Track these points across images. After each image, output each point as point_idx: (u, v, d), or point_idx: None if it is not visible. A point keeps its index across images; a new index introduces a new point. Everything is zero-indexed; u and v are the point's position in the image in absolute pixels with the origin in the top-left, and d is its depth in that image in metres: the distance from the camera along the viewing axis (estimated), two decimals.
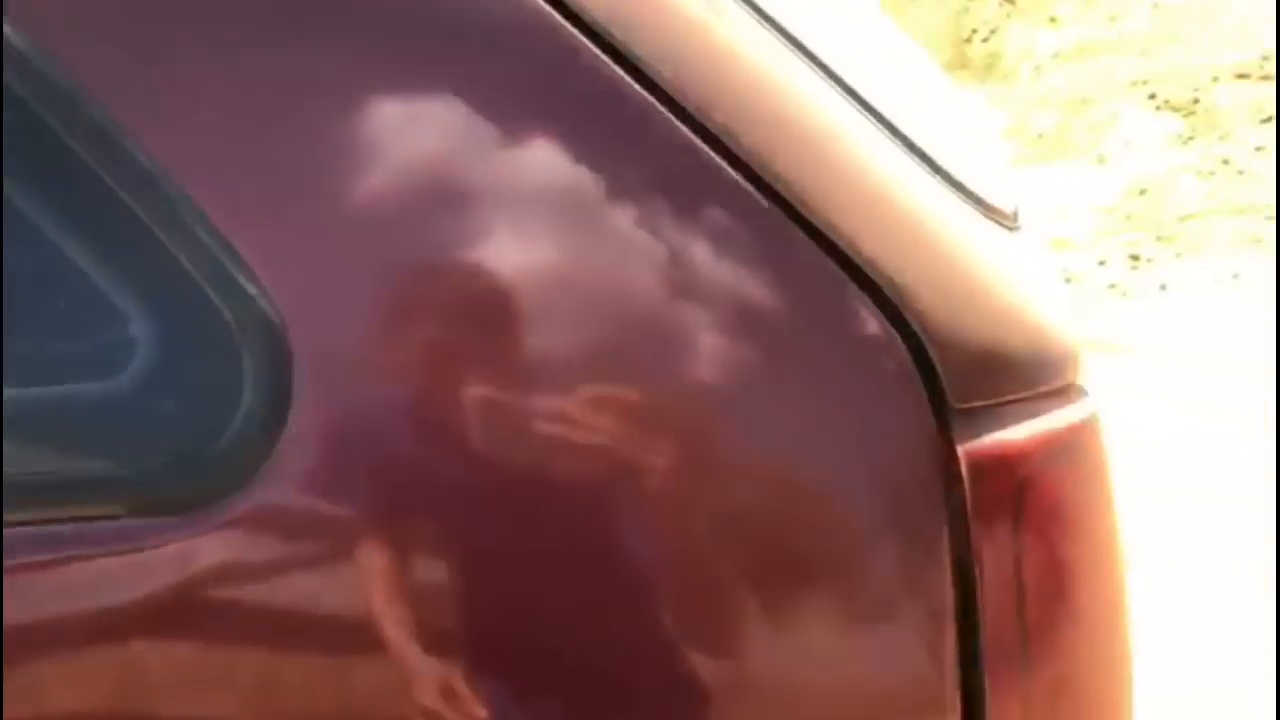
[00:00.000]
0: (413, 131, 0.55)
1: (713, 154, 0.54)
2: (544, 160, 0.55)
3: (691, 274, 0.55)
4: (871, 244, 0.56)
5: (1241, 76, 6.42)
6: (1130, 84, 6.85)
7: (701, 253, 0.56)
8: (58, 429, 0.53)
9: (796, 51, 0.59)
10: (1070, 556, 0.60)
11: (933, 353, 0.56)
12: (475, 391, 0.54)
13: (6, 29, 0.49)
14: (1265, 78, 6.23)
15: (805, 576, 0.59)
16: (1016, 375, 0.59)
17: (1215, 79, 6.47)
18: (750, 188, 0.55)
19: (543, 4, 0.54)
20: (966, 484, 0.56)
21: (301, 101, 0.54)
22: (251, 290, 0.52)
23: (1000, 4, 8.79)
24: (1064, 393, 0.61)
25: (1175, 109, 6.25)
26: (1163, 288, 3.86)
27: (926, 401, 0.57)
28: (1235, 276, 3.90)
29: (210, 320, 0.52)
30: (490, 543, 0.55)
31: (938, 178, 0.60)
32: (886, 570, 0.59)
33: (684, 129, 0.55)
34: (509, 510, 0.55)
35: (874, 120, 0.60)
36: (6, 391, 0.50)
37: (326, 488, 0.55)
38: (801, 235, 0.55)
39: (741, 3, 0.59)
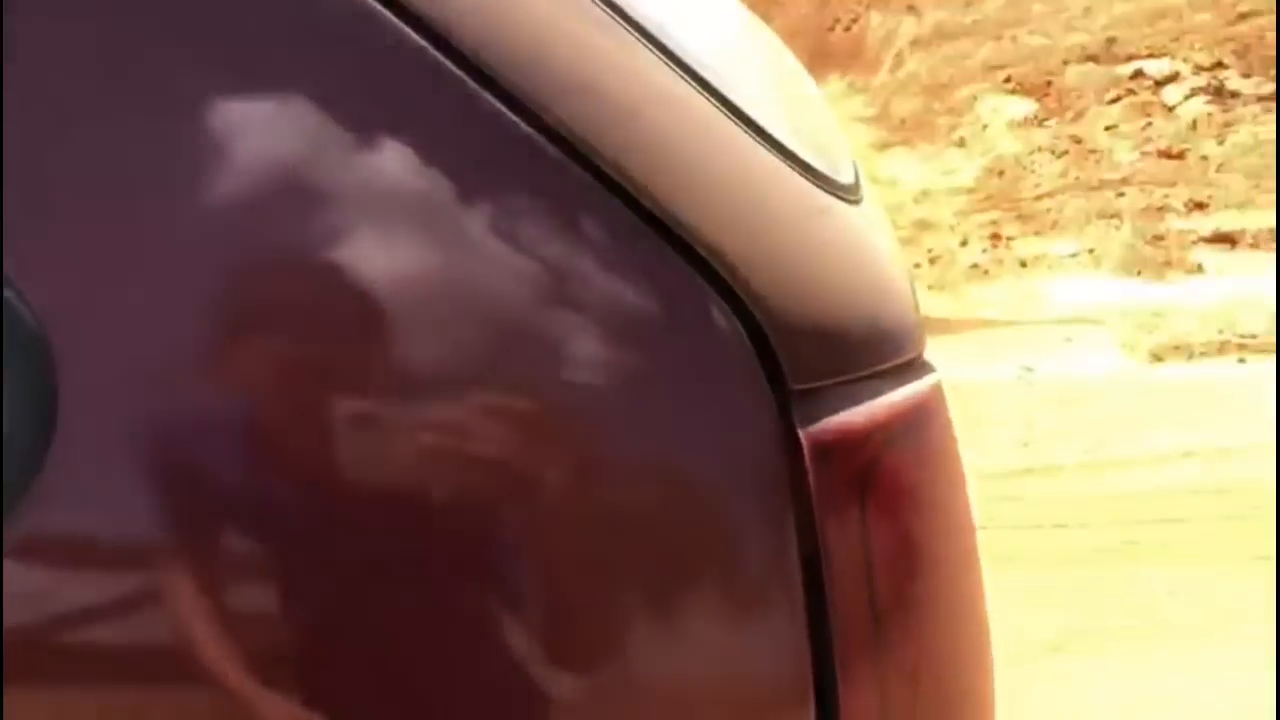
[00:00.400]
0: (209, 132, 0.51)
1: (533, 133, 0.51)
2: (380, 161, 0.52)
3: (528, 269, 0.52)
4: (696, 214, 0.52)
5: (1090, 59, 6.69)
6: (986, 68, 7.07)
7: (532, 243, 0.52)
8: None
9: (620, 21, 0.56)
10: (920, 536, 0.57)
11: (768, 333, 0.53)
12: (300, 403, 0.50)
13: None
14: (1112, 59, 6.51)
15: (661, 574, 0.55)
16: (856, 352, 0.56)
17: (1065, 61, 6.72)
18: (583, 172, 0.52)
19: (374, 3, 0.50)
20: (810, 468, 0.53)
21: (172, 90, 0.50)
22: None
23: None
24: (907, 368, 0.59)
25: (1029, 92, 6.48)
26: (1023, 264, 3.98)
27: (767, 386, 0.53)
28: (1090, 251, 4.05)
29: None
30: (324, 560, 0.51)
31: (764, 143, 0.57)
32: (741, 563, 0.56)
33: (502, 109, 0.51)
34: (348, 525, 0.51)
35: (699, 88, 0.57)
36: None
37: (104, 510, 0.49)
38: (616, 203, 0.52)
39: None
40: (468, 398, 0.51)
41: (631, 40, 0.55)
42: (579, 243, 0.53)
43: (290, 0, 0.54)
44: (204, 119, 0.52)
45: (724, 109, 0.56)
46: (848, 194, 0.62)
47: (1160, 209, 4.41)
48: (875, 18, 8.63)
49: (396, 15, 0.50)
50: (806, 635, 0.53)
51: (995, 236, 4.39)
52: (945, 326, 3.44)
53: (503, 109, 0.50)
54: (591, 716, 0.53)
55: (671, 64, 0.54)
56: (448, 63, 0.51)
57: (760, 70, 0.74)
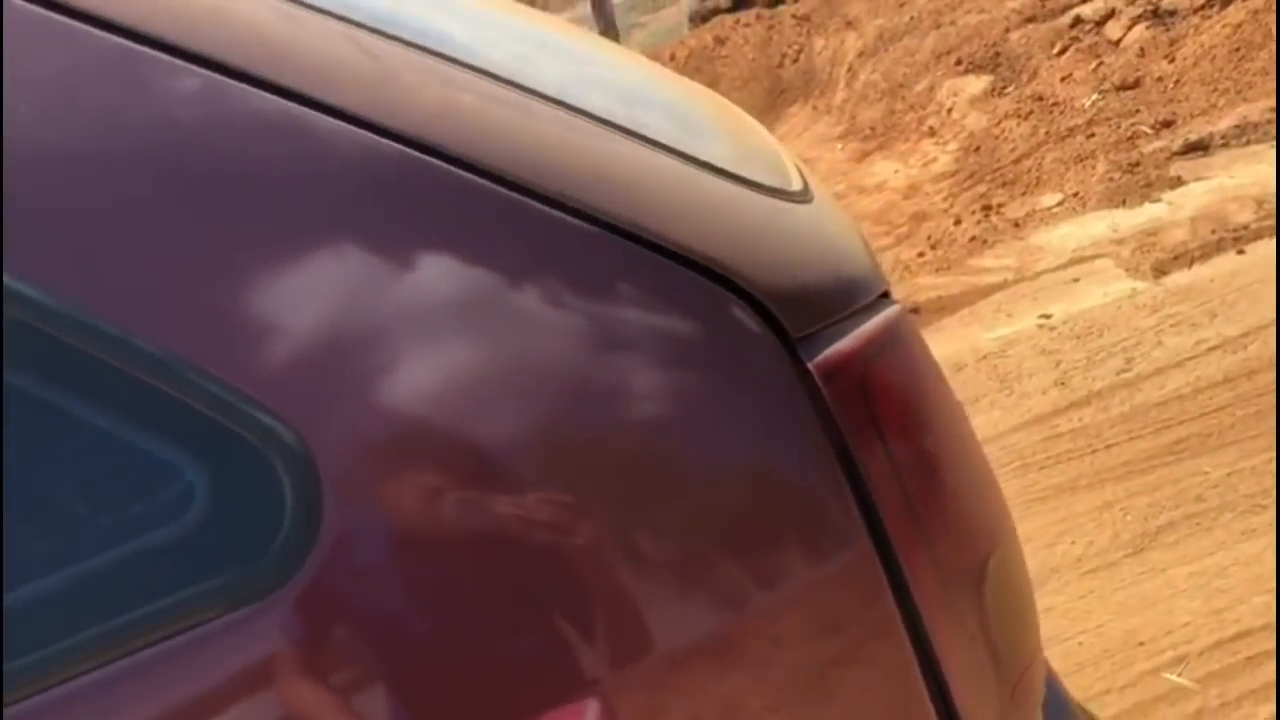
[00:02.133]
0: (318, 276, 0.65)
1: (552, 210, 0.69)
2: (435, 272, 0.67)
3: (580, 329, 0.69)
4: (697, 241, 0.73)
5: (1028, 20, 6.87)
6: (935, 57, 7.26)
7: (577, 306, 0.69)
8: (145, 568, 0.65)
9: (576, 113, 0.76)
10: (917, 410, 0.78)
11: (767, 304, 0.74)
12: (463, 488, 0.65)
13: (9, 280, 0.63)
14: (1049, 14, 6.68)
15: (752, 538, 0.71)
16: (832, 301, 0.77)
17: (1006, 30, 6.90)
18: (601, 230, 0.70)
19: (377, 138, 0.66)
20: (822, 387, 0.73)
21: (239, 258, 0.64)
22: (266, 419, 0.65)
23: (796, 24, 9.26)
24: (874, 304, 0.80)
25: (980, 67, 6.65)
26: (1016, 225, 4.14)
27: (777, 341, 0.74)
28: (1075, 194, 4.20)
29: (242, 449, 0.65)
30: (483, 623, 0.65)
31: (727, 178, 0.79)
32: (798, 478, 0.74)
33: (527, 201, 0.69)
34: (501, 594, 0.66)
35: (672, 155, 0.78)
36: (101, 556, 0.64)
37: (354, 581, 0.66)
38: (638, 248, 0.71)
39: (507, 86, 0.74)
40: (559, 451, 0.69)
41: (614, 134, 0.77)
42: (616, 293, 0.72)
43: (316, 155, 0.66)
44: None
45: (694, 164, 0.78)
46: (799, 197, 0.84)
47: (1131, 138, 4.56)
48: (818, 43, 8.89)
49: (420, 151, 0.67)
50: (857, 507, 0.72)
51: (986, 208, 4.54)
52: (962, 300, 3.60)
53: (529, 201, 0.69)
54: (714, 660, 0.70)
55: (646, 142, 0.76)
56: (474, 177, 0.68)
57: (711, 123, 0.96)
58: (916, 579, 0.74)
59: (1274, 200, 3.42)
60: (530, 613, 0.68)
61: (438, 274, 0.68)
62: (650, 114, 0.89)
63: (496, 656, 0.67)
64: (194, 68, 0.67)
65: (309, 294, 0.66)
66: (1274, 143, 3.96)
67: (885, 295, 0.82)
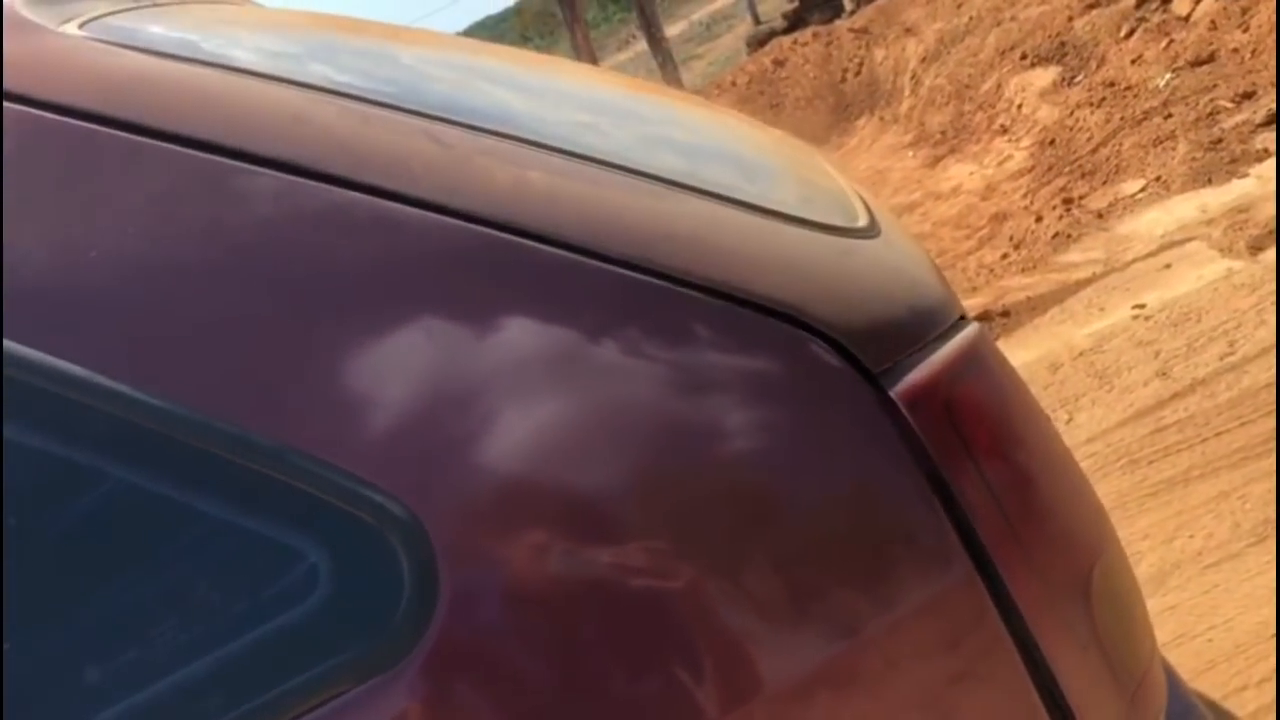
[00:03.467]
0: (409, 354, 0.68)
1: (624, 271, 0.72)
2: (519, 335, 0.70)
3: (660, 373, 0.71)
4: (772, 287, 0.75)
5: (1091, 6, 6.77)
6: (999, 54, 7.20)
7: (657, 353, 0.72)
8: (280, 649, 0.69)
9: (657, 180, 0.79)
10: (1004, 428, 0.79)
11: (844, 343, 0.75)
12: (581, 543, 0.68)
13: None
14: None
15: (847, 553, 0.73)
16: (907, 333, 0.78)
17: (1069, 19, 6.81)
18: (683, 288, 0.73)
19: (454, 220, 0.69)
20: (907, 415, 0.74)
21: (335, 346, 0.68)
22: (376, 496, 0.69)
23: (854, 38, 9.26)
24: (950, 330, 0.81)
25: (1047, 59, 6.58)
26: (1099, 215, 4.07)
27: (858, 375, 0.76)
28: (1158, 179, 4.12)
29: (357, 528, 0.69)
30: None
31: (793, 223, 0.81)
32: (892, 506, 0.76)
33: (601, 265, 0.72)
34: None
35: (737, 206, 0.81)
36: (239, 640, 0.69)
37: (474, 641, 0.69)
38: (711, 299, 0.74)
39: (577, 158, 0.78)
40: (655, 495, 0.71)
41: (679, 192, 0.80)
42: (694, 342, 0.75)
43: (398, 243, 0.70)
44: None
45: (759, 213, 0.80)
46: (865, 233, 0.86)
47: (1210, 115, 4.45)
48: (878, 53, 8.87)
49: (499, 230, 0.71)
50: (952, 524, 0.73)
51: (1067, 201, 4.47)
52: (1052, 298, 3.54)
53: (602, 265, 0.71)
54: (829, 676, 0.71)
55: (710, 197, 0.79)
56: (548, 248, 0.71)
57: (773, 168, 0.98)
58: (1021, 595, 0.74)
59: None
60: (645, 657, 0.70)
61: (519, 338, 0.71)
62: (712, 167, 0.92)
63: (616, 704, 0.70)
64: (280, 174, 0.73)
65: (403, 371, 0.70)
66: None
67: (962, 319, 0.83)
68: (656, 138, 0.94)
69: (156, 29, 0.92)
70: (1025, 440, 0.80)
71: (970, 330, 0.81)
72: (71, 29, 0.82)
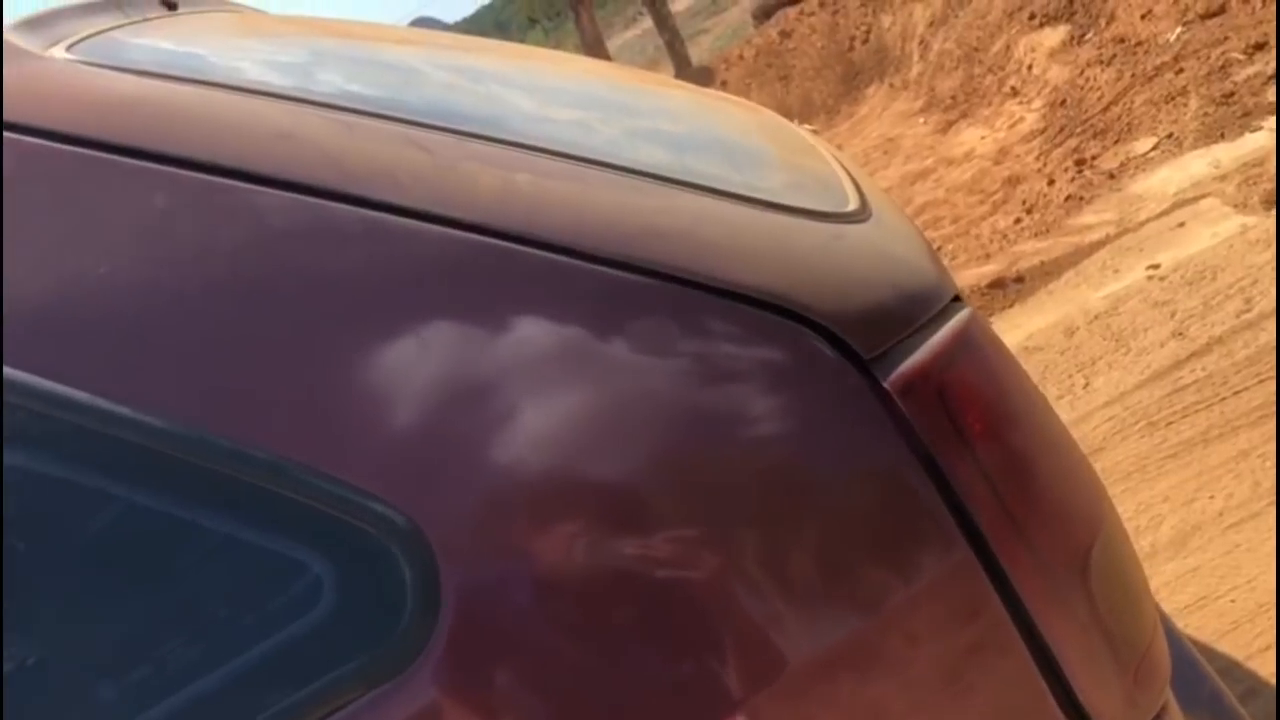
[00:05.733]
0: (404, 364, 0.69)
1: (614, 271, 0.72)
2: (526, 336, 0.70)
3: (681, 369, 0.72)
4: (763, 279, 0.75)
5: None
6: (1008, 15, 7.11)
7: (649, 350, 0.72)
8: (290, 658, 0.70)
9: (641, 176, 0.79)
10: (997, 411, 0.78)
11: (835, 330, 0.75)
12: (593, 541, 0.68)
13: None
14: None
15: (846, 538, 0.73)
16: (898, 319, 0.78)
17: None
18: (681, 287, 0.73)
19: (443, 228, 0.69)
20: (899, 402, 0.74)
21: (331, 359, 0.69)
22: (377, 507, 0.68)
23: (861, 6, 9.17)
24: (942, 313, 0.80)
25: (1056, 18, 6.49)
26: (1111, 175, 4.03)
27: (850, 364, 0.75)
28: (1169, 136, 4.07)
29: (360, 538, 0.70)
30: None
31: (782, 211, 0.81)
32: (889, 491, 0.76)
33: (591, 266, 0.72)
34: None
35: (728, 199, 0.81)
36: (250, 651, 0.70)
37: (483, 639, 0.70)
38: (702, 293, 0.74)
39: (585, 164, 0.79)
40: (677, 483, 0.71)
41: (666, 187, 0.80)
42: (686, 336, 0.74)
43: (389, 252, 0.70)
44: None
45: (746, 203, 0.80)
46: (855, 217, 0.86)
47: (1222, 68, 4.39)
48: (885, 20, 8.78)
49: (512, 242, 0.71)
50: (947, 508, 0.73)
51: (1079, 162, 4.43)
52: (1066, 262, 3.52)
53: (593, 266, 0.71)
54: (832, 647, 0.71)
55: (697, 190, 0.79)
56: (538, 251, 0.71)
57: (761, 155, 0.98)
58: (1020, 577, 0.75)
59: None
60: (646, 657, 0.71)
61: (512, 345, 0.71)
62: (700, 158, 0.92)
63: (620, 702, 0.71)
64: (270, 190, 0.73)
65: (399, 382, 0.70)
66: None
67: (956, 299, 0.82)
68: (644, 131, 0.95)
69: (145, 47, 0.92)
70: (1019, 422, 0.80)
71: (962, 314, 0.81)
72: (59, 52, 0.83)
